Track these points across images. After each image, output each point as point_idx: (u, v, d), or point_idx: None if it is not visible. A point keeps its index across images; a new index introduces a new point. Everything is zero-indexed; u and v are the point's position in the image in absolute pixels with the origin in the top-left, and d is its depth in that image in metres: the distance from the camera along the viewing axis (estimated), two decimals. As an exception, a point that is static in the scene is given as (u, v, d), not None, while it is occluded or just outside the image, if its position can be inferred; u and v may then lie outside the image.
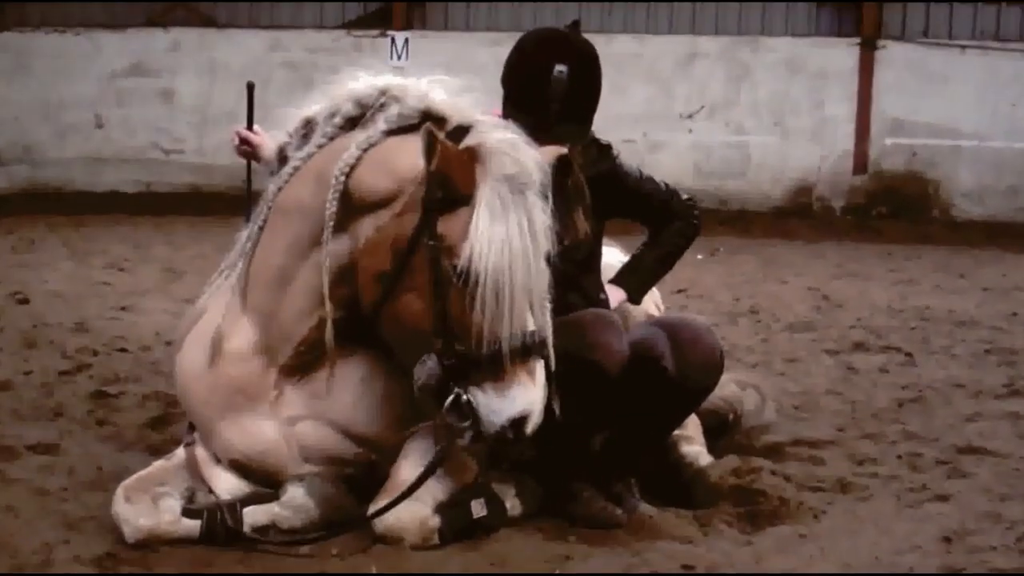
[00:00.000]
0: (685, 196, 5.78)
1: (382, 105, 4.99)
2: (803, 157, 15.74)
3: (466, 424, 4.74)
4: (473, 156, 4.73)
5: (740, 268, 12.71)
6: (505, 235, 4.66)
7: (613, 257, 6.17)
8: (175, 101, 16.15)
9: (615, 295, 5.67)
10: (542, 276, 4.79)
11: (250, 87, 5.87)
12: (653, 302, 6.13)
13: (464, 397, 4.72)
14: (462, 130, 4.83)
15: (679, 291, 10.78)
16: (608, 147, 5.59)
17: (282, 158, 5.28)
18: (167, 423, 6.65)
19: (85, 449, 6.24)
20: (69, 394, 7.29)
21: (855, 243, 14.52)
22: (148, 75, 16.18)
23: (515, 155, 4.74)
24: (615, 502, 5.39)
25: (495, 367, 4.69)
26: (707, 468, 5.73)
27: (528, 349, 4.72)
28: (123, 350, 8.47)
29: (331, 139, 5.07)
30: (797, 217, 15.52)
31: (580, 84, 5.28)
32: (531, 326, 4.74)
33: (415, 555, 4.91)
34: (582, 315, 5.26)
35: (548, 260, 4.84)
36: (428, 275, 4.74)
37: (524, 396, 4.70)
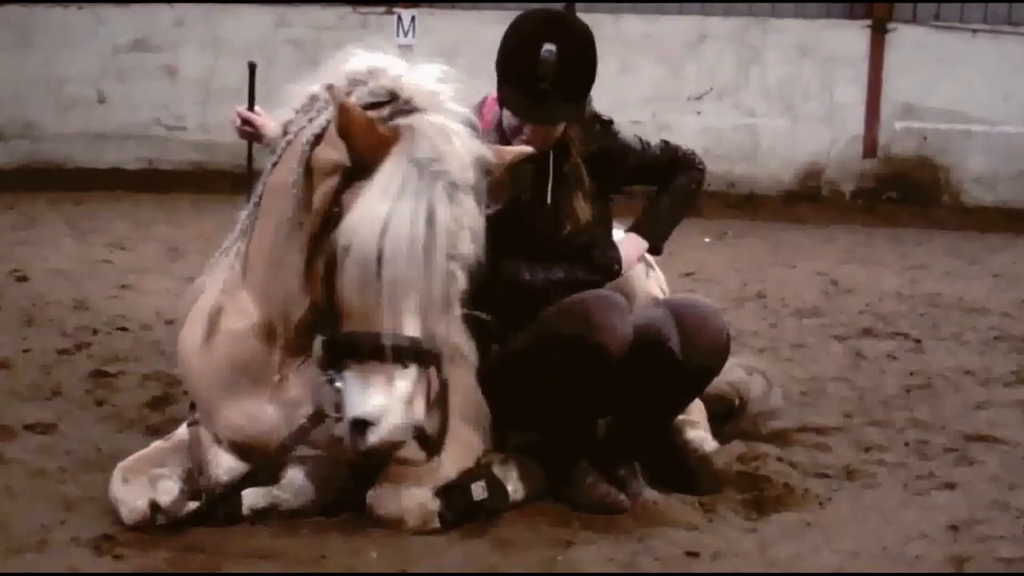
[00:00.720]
0: (684, 147, 5.82)
1: (359, 82, 4.88)
2: (813, 141, 15.68)
3: (335, 413, 4.61)
4: (395, 134, 4.59)
5: (748, 252, 12.68)
6: (390, 217, 4.48)
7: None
8: (178, 77, 16.07)
9: (636, 244, 5.66)
10: (441, 276, 4.57)
11: (251, 67, 5.83)
12: (657, 284, 6.11)
13: (335, 383, 4.58)
14: (411, 109, 4.68)
15: (686, 274, 10.75)
16: (609, 123, 5.58)
17: (286, 135, 5.25)
18: (167, 403, 6.64)
19: (84, 429, 6.23)
20: (68, 373, 7.27)
21: (865, 228, 14.49)
22: (151, 51, 16.11)
23: (438, 141, 4.59)
24: (618, 487, 5.38)
25: (366, 358, 4.51)
26: (712, 454, 5.71)
27: (402, 354, 4.49)
28: (123, 329, 8.45)
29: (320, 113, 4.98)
30: (806, 201, 15.46)
31: (570, 63, 5.22)
32: (409, 331, 4.52)
33: (416, 540, 4.90)
34: (585, 296, 5.24)
35: (463, 265, 4.65)
36: (324, 241, 4.64)
37: (374, 400, 4.49)
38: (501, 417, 5.39)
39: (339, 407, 4.58)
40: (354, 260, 4.50)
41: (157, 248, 11.72)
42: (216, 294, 5.26)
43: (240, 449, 5.16)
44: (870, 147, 15.62)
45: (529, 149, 5.14)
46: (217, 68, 15.81)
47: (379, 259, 4.47)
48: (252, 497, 5.03)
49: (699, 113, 15.78)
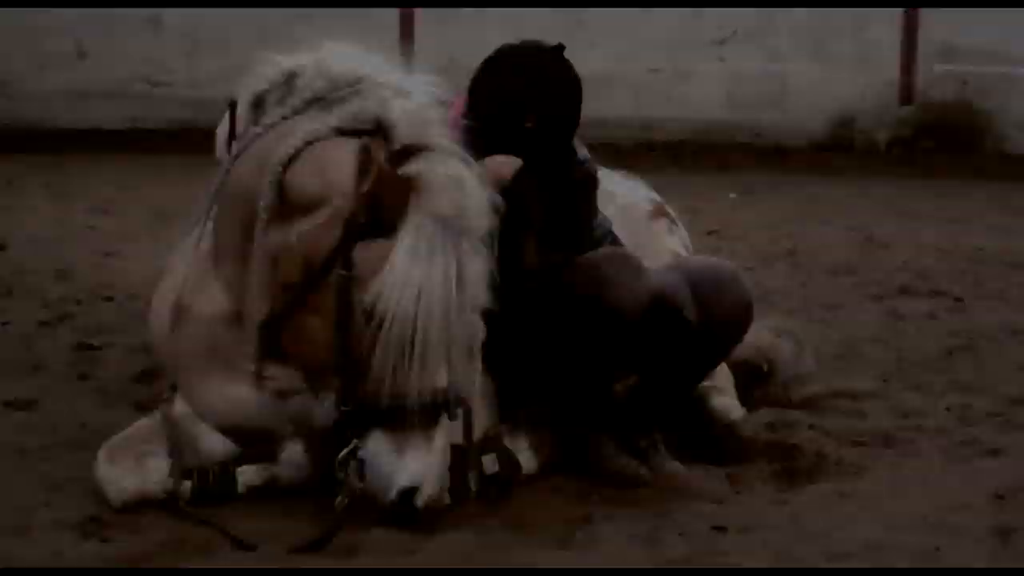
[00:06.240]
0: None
1: (342, 97, 4.90)
2: (845, 86, 15.62)
3: (359, 484, 4.67)
4: (410, 186, 4.64)
5: (777, 207, 12.67)
6: (424, 281, 4.57)
7: (629, 189, 6.16)
8: (163, 28, 16.03)
9: None
10: (467, 329, 4.71)
11: (231, 106, 5.58)
12: (681, 242, 6.11)
13: (359, 454, 4.65)
14: (409, 152, 4.72)
15: (711, 232, 10.74)
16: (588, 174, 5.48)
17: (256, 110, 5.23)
18: (155, 377, 6.61)
19: (67, 405, 6.26)
20: (50, 346, 7.29)
21: (901, 179, 14.46)
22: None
23: (457, 195, 4.65)
24: (639, 459, 5.39)
25: (395, 424, 4.63)
26: (739, 422, 5.74)
27: (434, 411, 4.64)
28: (108, 299, 8.47)
29: (295, 113, 4.99)
30: (838, 152, 15.43)
31: (551, 134, 5.20)
32: (441, 383, 4.65)
33: (424, 517, 4.90)
34: (598, 254, 5.23)
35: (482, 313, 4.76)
36: (335, 304, 4.68)
37: (416, 465, 4.62)
38: (513, 387, 5.39)
39: (365, 476, 4.67)
40: (394, 331, 4.57)
41: (143, 212, 11.70)
42: (190, 277, 5.25)
43: (228, 433, 5.18)
44: (906, 92, 15.58)
45: (511, 166, 5.11)
46: (205, 18, 15.75)
47: (414, 324, 4.56)
48: (248, 474, 5.06)
49: (722, 59, 15.71)
